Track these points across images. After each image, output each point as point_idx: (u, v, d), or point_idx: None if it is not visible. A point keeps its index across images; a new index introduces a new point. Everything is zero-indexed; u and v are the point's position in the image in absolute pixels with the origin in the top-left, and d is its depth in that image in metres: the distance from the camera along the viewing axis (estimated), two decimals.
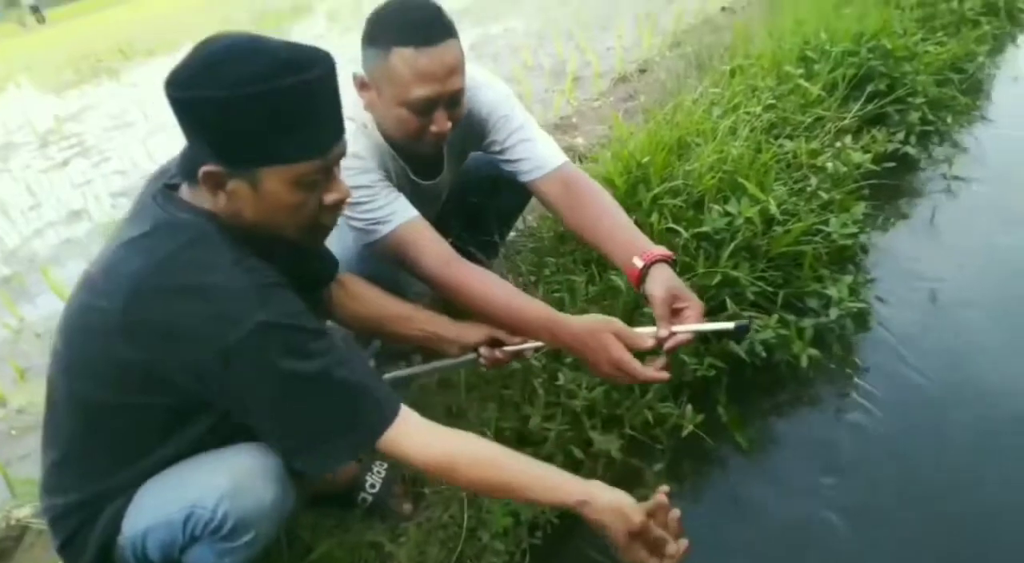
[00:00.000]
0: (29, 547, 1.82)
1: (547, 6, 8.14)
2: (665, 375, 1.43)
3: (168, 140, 6.65)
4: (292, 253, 1.28)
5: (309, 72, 1.09)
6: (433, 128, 1.55)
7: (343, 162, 1.25)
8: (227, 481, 1.19)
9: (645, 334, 1.46)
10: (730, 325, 1.44)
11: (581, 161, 2.91)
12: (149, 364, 1.12)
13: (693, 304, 1.50)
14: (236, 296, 1.10)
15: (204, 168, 1.10)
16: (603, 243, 1.68)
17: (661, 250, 1.57)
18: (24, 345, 3.42)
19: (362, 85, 1.56)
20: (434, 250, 1.58)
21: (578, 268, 2.08)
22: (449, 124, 1.56)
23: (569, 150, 3.18)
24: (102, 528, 1.27)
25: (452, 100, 1.55)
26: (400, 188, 1.67)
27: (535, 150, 1.75)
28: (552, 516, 1.59)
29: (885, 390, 1.88)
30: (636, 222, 1.82)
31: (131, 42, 15.16)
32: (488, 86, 1.77)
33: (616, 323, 1.44)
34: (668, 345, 1.46)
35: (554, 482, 1.20)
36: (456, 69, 1.52)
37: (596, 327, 1.44)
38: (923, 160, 2.85)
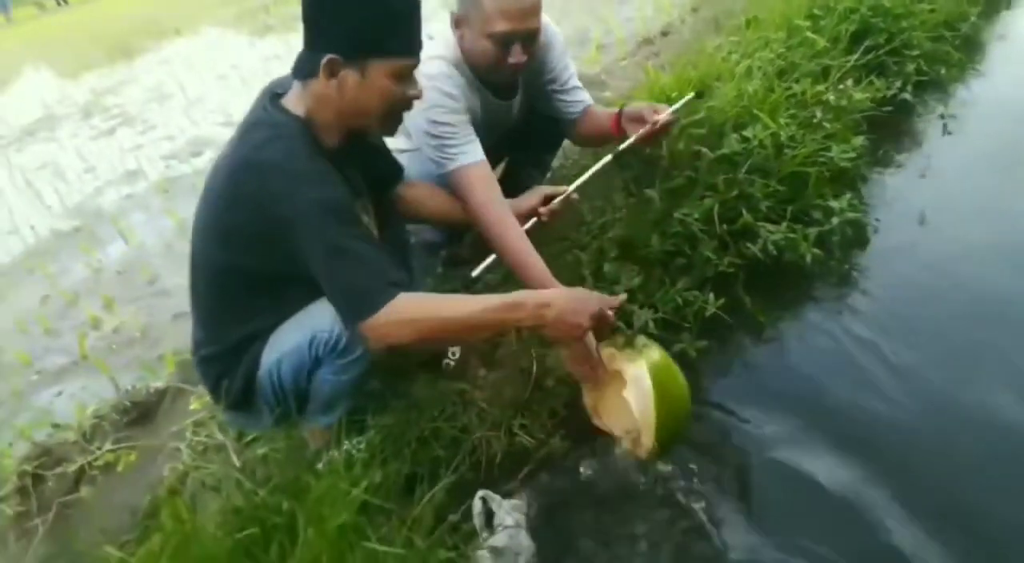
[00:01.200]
0: (168, 409, 2.20)
1: None
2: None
3: (207, 111, 7.00)
4: (361, 153, 1.66)
5: None
6: (511, 59, 1.90)
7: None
8: (333, 311, 1.51)
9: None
10: (691, 95, 2.24)
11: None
12: (243, 224, 1.47)
13: (662, 106, 2.04)
14: (307, 177, 1.45)
15: (327, 57, 1.46)
16: (599, 127, 2.18)
17: None
18: (106, 280, 3.80)
19: (457, 22, 1.93)
20: (481, 192, 1.91)
21: (616, 187, 2.44)
22: (525, 58, 1.92)
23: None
24: (244, 368, 1.62)
25: (528, 37, 1.91)
26: (482, 106, 2.06)
27: (581, 94, 2.23)
28: None
29: (879, 283, 2.23)
30: (665, 146, 2.31)
31: (155, 22, 15.43)
32: (551, 27, 2.13)
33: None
34: (659, 124, 1.98)
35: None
36: (534, 12, 1.89)
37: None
38: (919, 106, 3.18)
